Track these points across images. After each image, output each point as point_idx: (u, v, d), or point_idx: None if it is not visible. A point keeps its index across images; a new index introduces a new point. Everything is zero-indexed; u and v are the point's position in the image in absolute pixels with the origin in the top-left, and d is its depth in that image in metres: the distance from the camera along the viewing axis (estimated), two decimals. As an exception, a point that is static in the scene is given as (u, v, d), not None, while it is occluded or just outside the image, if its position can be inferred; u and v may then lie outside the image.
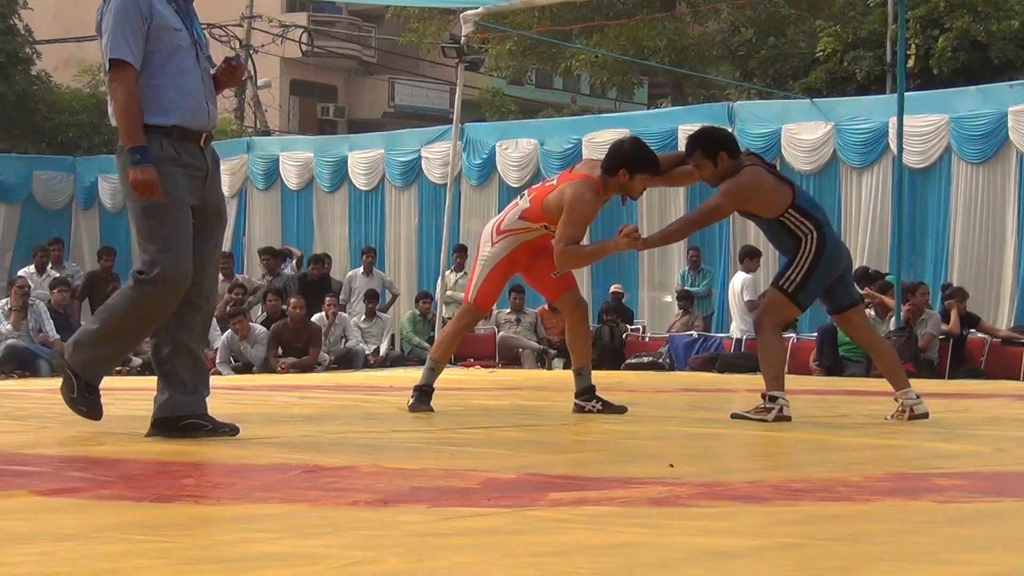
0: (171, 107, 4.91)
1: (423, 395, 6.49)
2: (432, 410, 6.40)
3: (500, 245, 6.46)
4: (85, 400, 5.01)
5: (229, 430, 4.97)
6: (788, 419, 6.11)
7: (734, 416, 6.21)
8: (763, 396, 6.17)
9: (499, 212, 7.13)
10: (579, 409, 6.54)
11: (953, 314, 13.10)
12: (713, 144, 6.18)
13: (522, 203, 6.47)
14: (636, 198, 6.41)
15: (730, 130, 6.59)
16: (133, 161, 4.79)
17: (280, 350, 13.82)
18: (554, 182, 6.42)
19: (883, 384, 10.39)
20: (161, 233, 4.85)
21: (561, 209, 6.16)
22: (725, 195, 6.08)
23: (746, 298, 13.86)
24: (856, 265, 15.09)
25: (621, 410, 6.53)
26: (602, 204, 6.43)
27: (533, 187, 6.66)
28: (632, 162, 6.23)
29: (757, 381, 11.38)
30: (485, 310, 6.87)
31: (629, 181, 6.22)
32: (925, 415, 6.24)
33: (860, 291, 13.86)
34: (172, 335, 4.97)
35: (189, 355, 4.99)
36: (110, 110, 4.97)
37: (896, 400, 6.35)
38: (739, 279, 14.12)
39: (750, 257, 14.14)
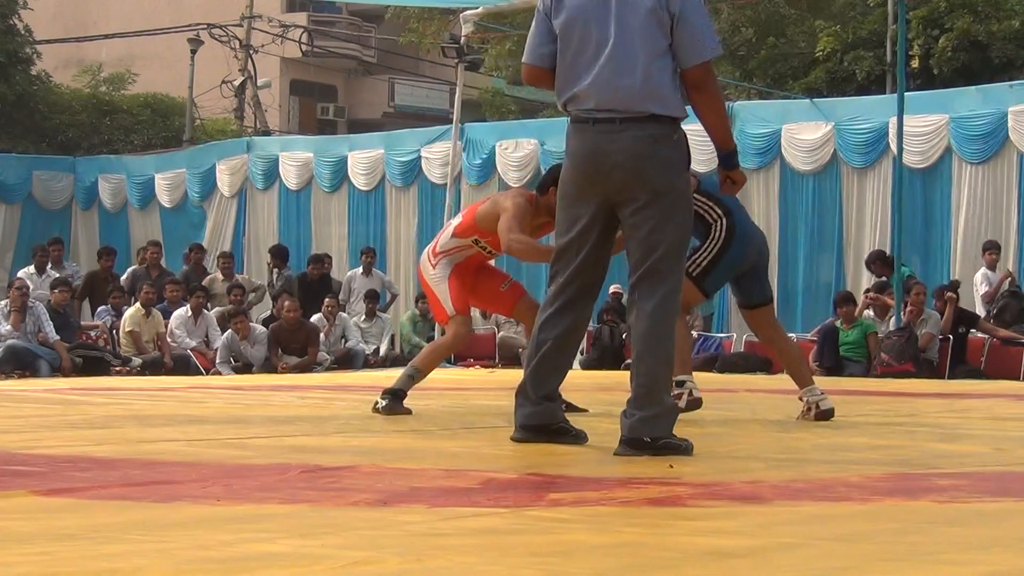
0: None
1: (396, 398, 6.32)
2: (410, 411, 6.30)
3: (440, 266, 6.43)
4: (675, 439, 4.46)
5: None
6: (699, 402, 6.03)
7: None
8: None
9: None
10: None
11: (948, 311, 13.06)
12: None
13: (455, 220, 6.53)
14: None
15: None
16: (734, 164, 4.71)
17: (279, 351, 13.88)
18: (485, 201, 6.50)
19: (884, 384, 10.43)
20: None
21: (493, 218, 6.15)
22: None
23: (981, 291, 13.74)
24: (855, 266, 15.12)
25: (582, 412, 6.52)
26: (539, 230, 6.32)
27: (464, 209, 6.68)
28: None
29: (756, 381, 11.46)
30: (468, 315, 6.87)
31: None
32: (830, 411, 6.08)
33: (863, 291, 13.98)
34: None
35: None
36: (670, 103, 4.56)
37: (801, 400, 6.19)
38: (979, 274, 13.91)
39: (990, 251, 13.90)
